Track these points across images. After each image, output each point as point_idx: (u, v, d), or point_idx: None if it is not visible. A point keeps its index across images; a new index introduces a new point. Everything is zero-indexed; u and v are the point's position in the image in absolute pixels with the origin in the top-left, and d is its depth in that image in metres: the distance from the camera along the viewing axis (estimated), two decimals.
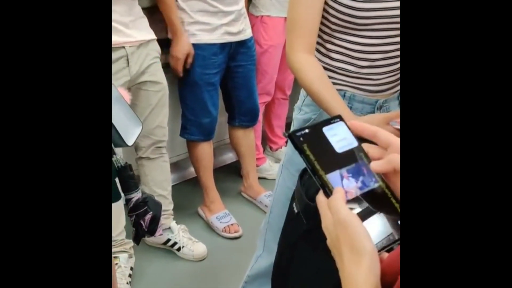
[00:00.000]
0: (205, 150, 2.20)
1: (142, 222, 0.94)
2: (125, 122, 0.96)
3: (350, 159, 0.57)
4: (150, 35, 1.82)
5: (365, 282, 0.49)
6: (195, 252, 2.05)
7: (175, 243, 2.06)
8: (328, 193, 0.54)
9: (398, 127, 1.08)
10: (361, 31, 1.14)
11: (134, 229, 0.96)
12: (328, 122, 0.59)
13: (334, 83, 1.18)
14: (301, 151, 0.56)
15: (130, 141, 0.97)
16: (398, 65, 1.21)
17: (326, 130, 0.58)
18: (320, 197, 0.55)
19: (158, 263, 2.03)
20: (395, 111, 1.22)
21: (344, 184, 0.55)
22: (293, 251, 1.12)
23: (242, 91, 2.23)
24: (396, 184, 0.55)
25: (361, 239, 0.50)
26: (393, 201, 0.55)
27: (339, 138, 0.58)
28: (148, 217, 0.95)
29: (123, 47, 1.70)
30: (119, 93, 0.97)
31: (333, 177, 0.55)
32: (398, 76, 1.24)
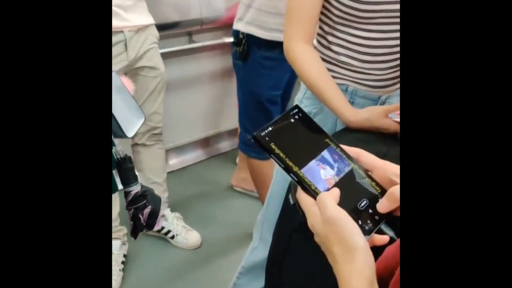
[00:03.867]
0: (268, 169, 1.98)
1: (140, 216, 0.92)
2: (125, 113, 0.93)
3: (319, 147, 0.55)
4: (149, 19, 1.79)
5: (360, 277, 0.48)
6: (189, 240, 2.04)
7: (169, 231, 2.04)
8: (306, 188, 0.52)
9: (397, 119, 1.08)
10: (364, 25, 1.11)
11: (132, 222, 0.94)
12: (288, 114, 0.57)
13: (336, 77, 1.16)
14: (269, 152, 0.53)
15: (130, 133, 0.94)
16: None
17: (288, 123, 0.56)
18: (301, 195, 0.53)
19: (151, 251, 2.02)
20: (394, 104, 1.19)
21: (322, 175, 0.53)
22: (288, 243, 1.11)
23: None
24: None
25: (352, 235, 0.49)
26: (369, 180, 0.55)
27: (303, 128, 0.57)
28: (146, 211, 0.93)
29: (122, 31, 1.68)
30: (121, 82, 0.93)
31: (308, 171, 0.53)
32: None
